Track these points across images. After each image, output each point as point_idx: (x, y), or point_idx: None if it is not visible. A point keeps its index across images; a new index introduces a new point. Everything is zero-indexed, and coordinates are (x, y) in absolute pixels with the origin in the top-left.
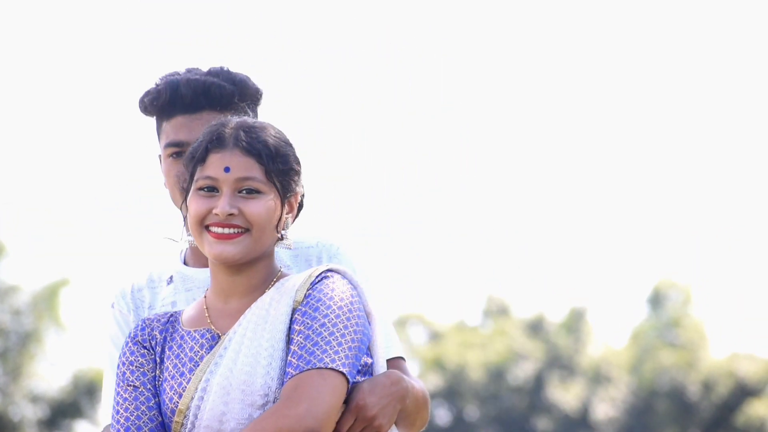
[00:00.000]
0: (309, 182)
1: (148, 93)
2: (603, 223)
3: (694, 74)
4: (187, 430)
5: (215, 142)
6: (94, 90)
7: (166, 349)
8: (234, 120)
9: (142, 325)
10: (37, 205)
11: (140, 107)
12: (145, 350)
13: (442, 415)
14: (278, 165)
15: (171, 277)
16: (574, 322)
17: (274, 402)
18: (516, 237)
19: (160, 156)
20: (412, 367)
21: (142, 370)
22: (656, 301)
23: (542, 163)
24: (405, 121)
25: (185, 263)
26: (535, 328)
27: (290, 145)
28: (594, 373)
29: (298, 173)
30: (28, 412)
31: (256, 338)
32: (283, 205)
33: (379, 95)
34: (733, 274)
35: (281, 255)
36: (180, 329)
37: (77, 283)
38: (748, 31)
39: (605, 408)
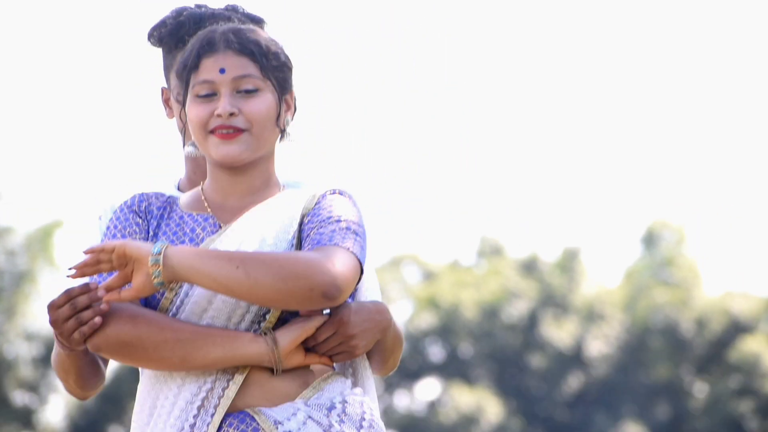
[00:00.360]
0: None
1: (178, 26)
2: (597, 163)
3: (690, 20)
4: (175, 307)
5: (206, 47)
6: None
7: (163, 225)
8: (221, 26)
9: (139, 197)
10: (31, 146)
11: (160, 38)
12: (140, 219)
13: (437, 353)
14: (272, 62)
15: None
16: (568, 262)
17: None
18: (510, 177)
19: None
20: (407, 307)
21: (133, 236)
22: (650, 240)
23: (537, 103)
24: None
25: (179, 190)
26: (529, 267)
27: (280, 44)
28: (588, 312)
29: (291, 70)
30: (22, 351)
31: (260, 234)
32: (280, 102)
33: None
34: (727, 213)
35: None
36: (179, 210)
37: (71, 225)
38: None
39: (599, 345)
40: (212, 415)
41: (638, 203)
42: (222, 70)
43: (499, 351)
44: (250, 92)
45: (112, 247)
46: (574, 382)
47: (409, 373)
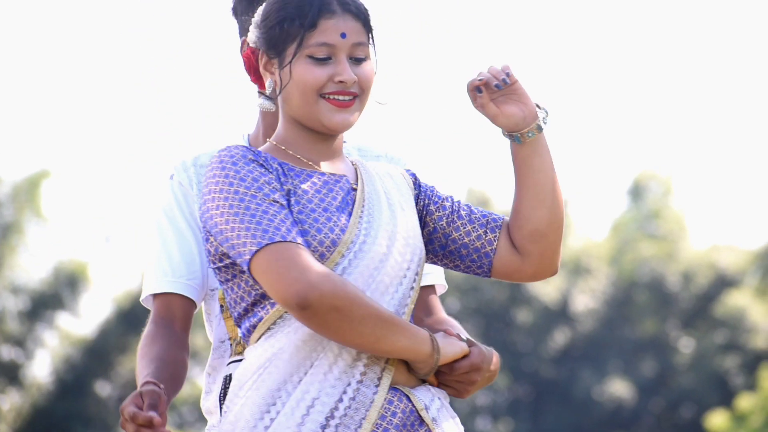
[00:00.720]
0: None
1: None
2: (583, 115)
3: None
4: (345, 262)
5: (325, 7)
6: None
7: (296, 182)
8: None
9: (243, 149)
10: (17, 95)
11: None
12: (271, 174)
13: None
14: (373, 29)
15: None
16: None
17: (414, 258)
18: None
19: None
20: None
21: (278, 192)
22: (637, 192)
23: (523, 52)
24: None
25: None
26: None
27: None
28: (574, 265)
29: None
30: (9, 304)
31: (392, 194)
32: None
33: None
34: (714, 166)
35: (352, 154)
36: (296, 168)
37: (58, 175)
38: None
39: (585, 299)
40: (378, 381)
41: (625, 154)
42: (343, 35)
43: (486, 306)
44: (360, 60)
45: None
46: (560, 337)
47: None
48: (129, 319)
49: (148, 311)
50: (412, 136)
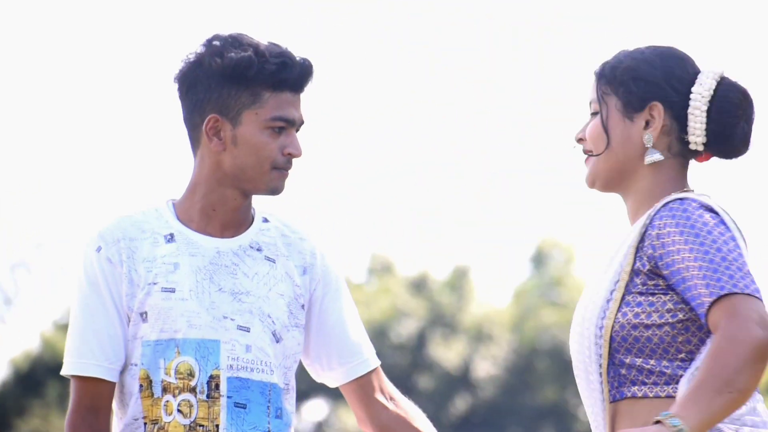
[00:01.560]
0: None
1: (251, 59)
2: (487, 182)
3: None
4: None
5: None
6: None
7: None
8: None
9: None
10: None
11: (232, 67)
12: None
13: None
14: None
15: (171, 235)
16: (458, 281)
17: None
18: (401, 194)
19: (212, 119)
20: None
21: None
22: (539, 260)
23: (426, 121)
24: None
25: (179, 220)
26: (419, 286)
27: None
28: (476, 332)
29: None
30: None
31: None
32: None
33: None
34: (615, 235)
35: (275, 239)
36: None
37: None
38: None
39: (486, 366)
40: None
41: (528, 221)
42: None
43: (388, 371)
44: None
45: None
46: (461, 403)
47: (297, 393)
48: (27, 381)
49: (48, 373)
50: (313, 201)
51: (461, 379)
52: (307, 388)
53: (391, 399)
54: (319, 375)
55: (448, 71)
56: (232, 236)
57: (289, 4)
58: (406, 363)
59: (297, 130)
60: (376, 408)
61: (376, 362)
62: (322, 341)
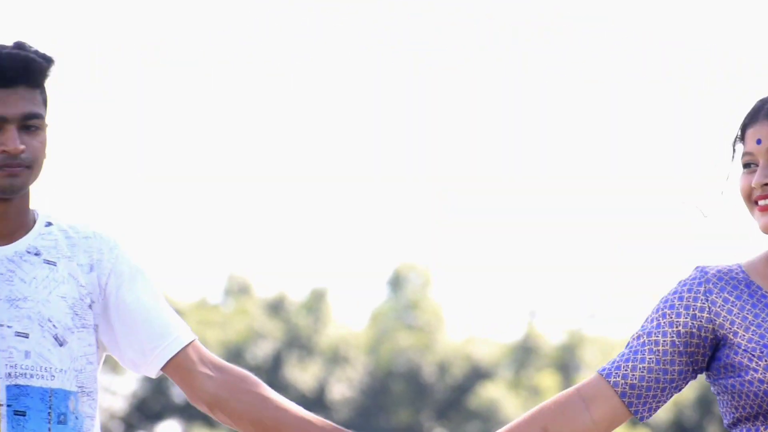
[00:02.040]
0: None
1: None
2: (345, 204)
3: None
4: None
5: (749, 117)
6: None
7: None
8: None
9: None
10: None
11: None
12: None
13: (179, 394)
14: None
15: None
16: (315, 303)
17: None
18: (259, 214)
19: None
20: None
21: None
22: (396, 283)
23: (279, 136)
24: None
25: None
26: (276, 307)
27: None
28: (332, 354)
29: None
30: None
31: None
32: None
33: None
34: (471, 259)
35: (58, 242)
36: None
37: None
38: None
39: (342, 388)
40: None
41: (386, 244)
42: (759, 141)
43: None
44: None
45: None
46: None
47: (151, 414)
48: None
49: None
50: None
51: (317, 401)
52: (161, 409)
53: (218, 369)
54: (137, 367)
55: (298, 92)
56: (8, 243)
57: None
58: None
59: (25, 126)
60: (201, 380)
61: (189, 337)
62: (127, 332)
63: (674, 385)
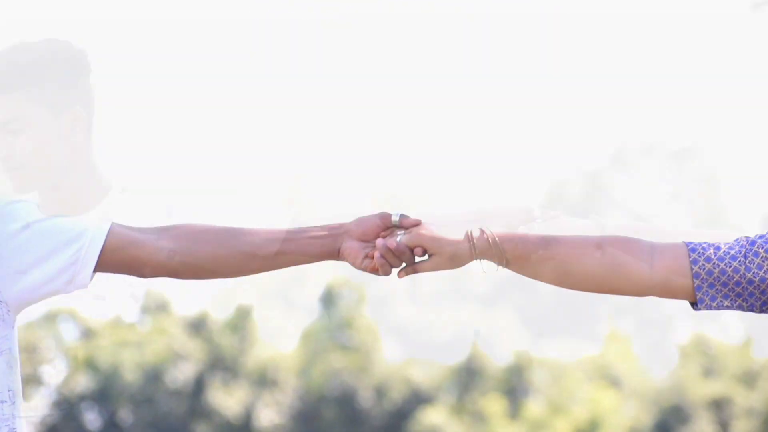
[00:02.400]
0: None
1: None
2: (275, 215)
3: None
4: None
5: None
6: None
7: None
8: None
9: None
10: None
11: None
12: None
13: (93, 419)
14: None
15: None
16: (240, 321)
17: None
18: None
19: None
20: (62, 368)
21: None
22: (328, 300)
23: (202, 142)
24: None
25: None
26: (198, 326)
27: None
28: (259, 377)
29: None
30: None
31: None
32: None
33: None
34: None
35: None
36: None
37: None
38: None
39: (270, 414)
40: None
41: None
42: None
43: (162, 419)
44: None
45: None
46: None
47: None
48: None
49: None
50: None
51: (242, 428)
52: None
53: (158, 229)
54: (57, 287)
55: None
56: None
57: None
58: (182, 410)
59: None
60: (150, 243)
61: (107, 223)
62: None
63: (750, 289)
